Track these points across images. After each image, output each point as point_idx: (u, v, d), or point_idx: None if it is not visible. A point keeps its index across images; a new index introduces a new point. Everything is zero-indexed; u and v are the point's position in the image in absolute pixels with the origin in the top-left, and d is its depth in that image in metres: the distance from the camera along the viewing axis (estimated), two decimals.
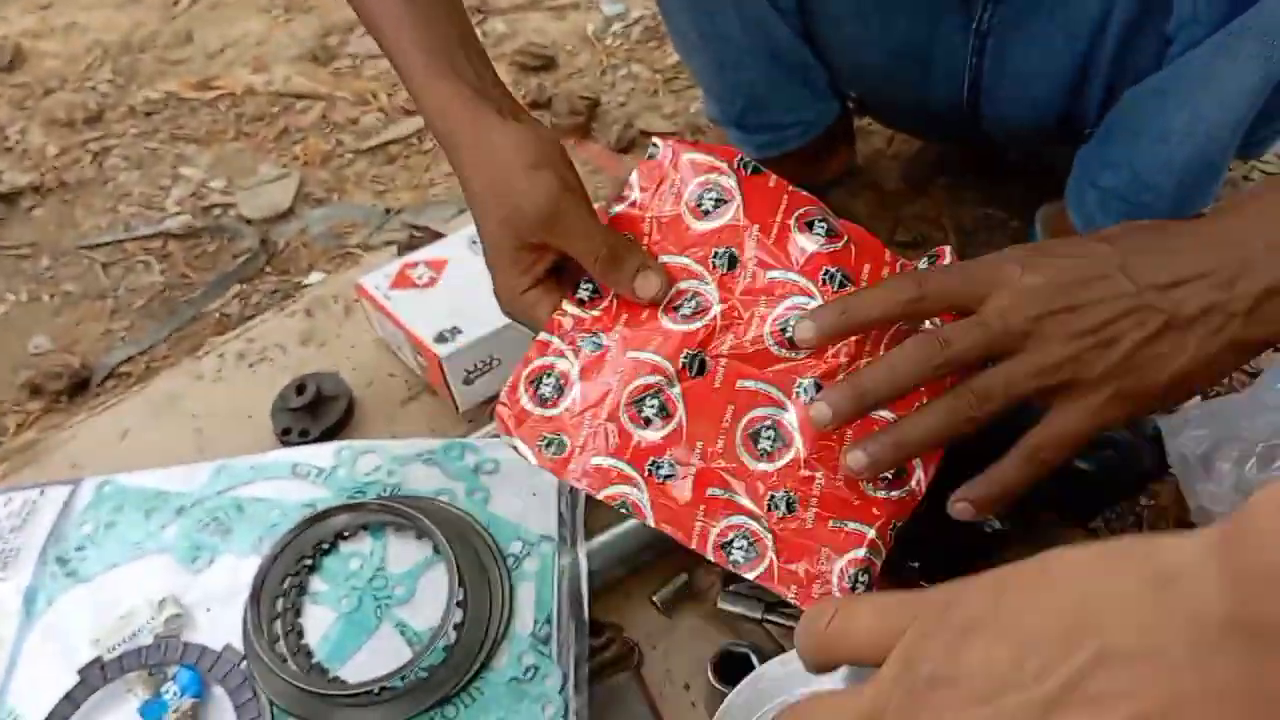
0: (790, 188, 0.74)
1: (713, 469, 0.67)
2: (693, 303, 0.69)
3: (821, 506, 0.67)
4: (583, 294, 0.71)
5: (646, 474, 0.67)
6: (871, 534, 0.66)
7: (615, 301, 0.70)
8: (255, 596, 0.78)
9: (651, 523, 0.67)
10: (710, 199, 0.71)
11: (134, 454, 0.98)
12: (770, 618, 0.80)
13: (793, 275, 0.69)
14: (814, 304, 0.68)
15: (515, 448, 0.69)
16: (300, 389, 0.99)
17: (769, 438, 0.67)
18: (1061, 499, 0.80)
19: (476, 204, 0.69)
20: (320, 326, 1.11)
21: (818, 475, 0.67)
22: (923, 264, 0.74)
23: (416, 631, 0.80)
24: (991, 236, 1.23)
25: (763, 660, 0.75)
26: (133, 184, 1.43)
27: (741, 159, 0.74)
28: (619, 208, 0.74)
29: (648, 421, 0.68)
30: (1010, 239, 1.23)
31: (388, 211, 1.36)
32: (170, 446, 0.98)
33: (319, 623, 0.80)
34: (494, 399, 0.76)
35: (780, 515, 0.67)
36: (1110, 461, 0.80)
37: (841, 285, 0.69)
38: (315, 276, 1.26)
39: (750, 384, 0.68)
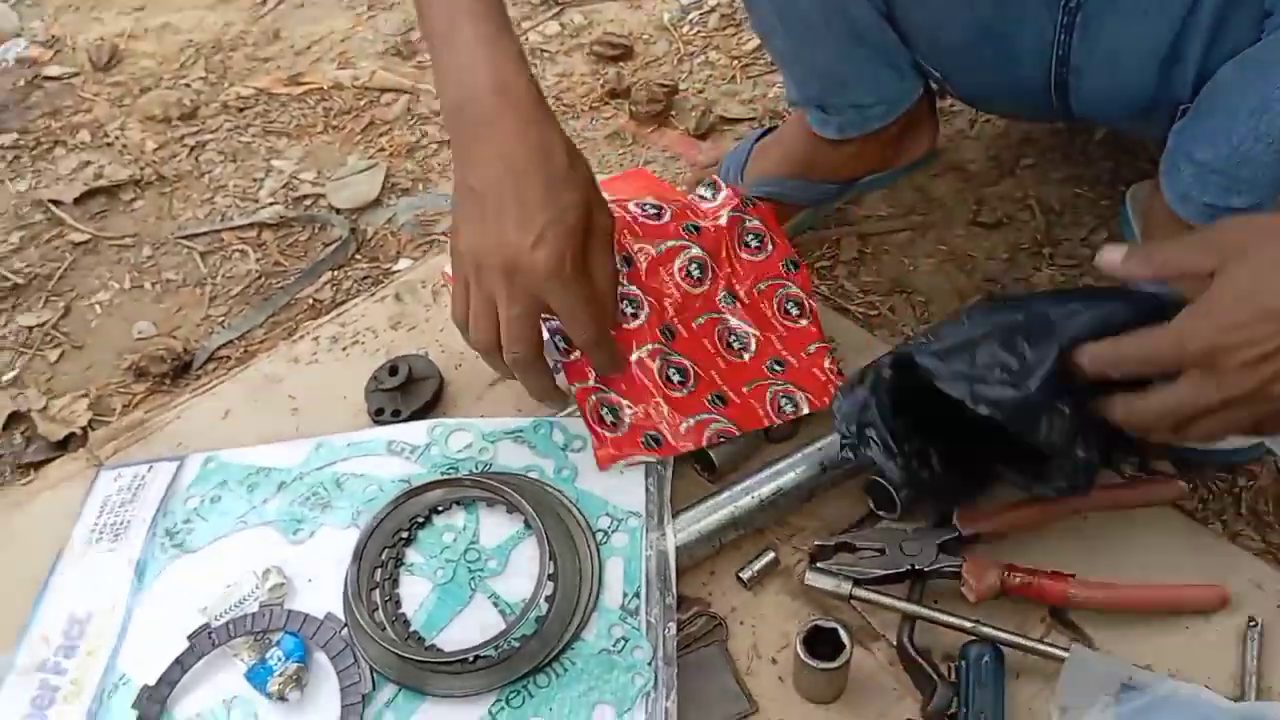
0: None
1: (725, 384, 0.93)
2: (631, 305, 0.92)
3: (790, 351, 0.96)
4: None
5: (710, 406, 0.91)
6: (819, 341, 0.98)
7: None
8: (355, 566, 0.81)
9: (738, 431, 0.91)
10: None
11: (235, 433, 1.01)
12: (858, 594, 0.81)
13: (666, 243, 0.96)
14: (694, 249, 0.96)
15: (632, 464, 0.89)
16: (393, 370, 1.01)
17: (735, 339, 0.96)
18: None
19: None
20: (409, 311, 1.13)
21: (773, 338, 0.97)
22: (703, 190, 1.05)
23: (508, 603, 0.82)
24: (1080, 216, 1.21)
25: (851, 636, 0.75)
26: (227, 177, 1.48)
27: None
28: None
29: (680, 383, 0.91)
30: (1099, 219, 1.20)
31: None
32: (269, 425, 1.02)
33: (415, 593, 0.83)
34: None
35: (781, 371, 0.95)
36: None
37: (691, 230, 0.97)
38: (403, 263, 1.29)
39: (700, 319, 0.96)
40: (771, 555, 0.86)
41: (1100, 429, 0.74)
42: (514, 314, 0.78)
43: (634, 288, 0.93)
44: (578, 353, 0.90)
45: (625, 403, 0.90)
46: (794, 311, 0.97)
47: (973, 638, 0.78)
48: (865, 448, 0.80)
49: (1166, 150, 0.93)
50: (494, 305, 0.79)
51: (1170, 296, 0.74)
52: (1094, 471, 0.77)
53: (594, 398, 0.90)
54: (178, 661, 0.79)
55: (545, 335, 0.91)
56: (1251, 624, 0.78)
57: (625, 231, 0.94)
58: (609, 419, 0.90)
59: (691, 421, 0.90)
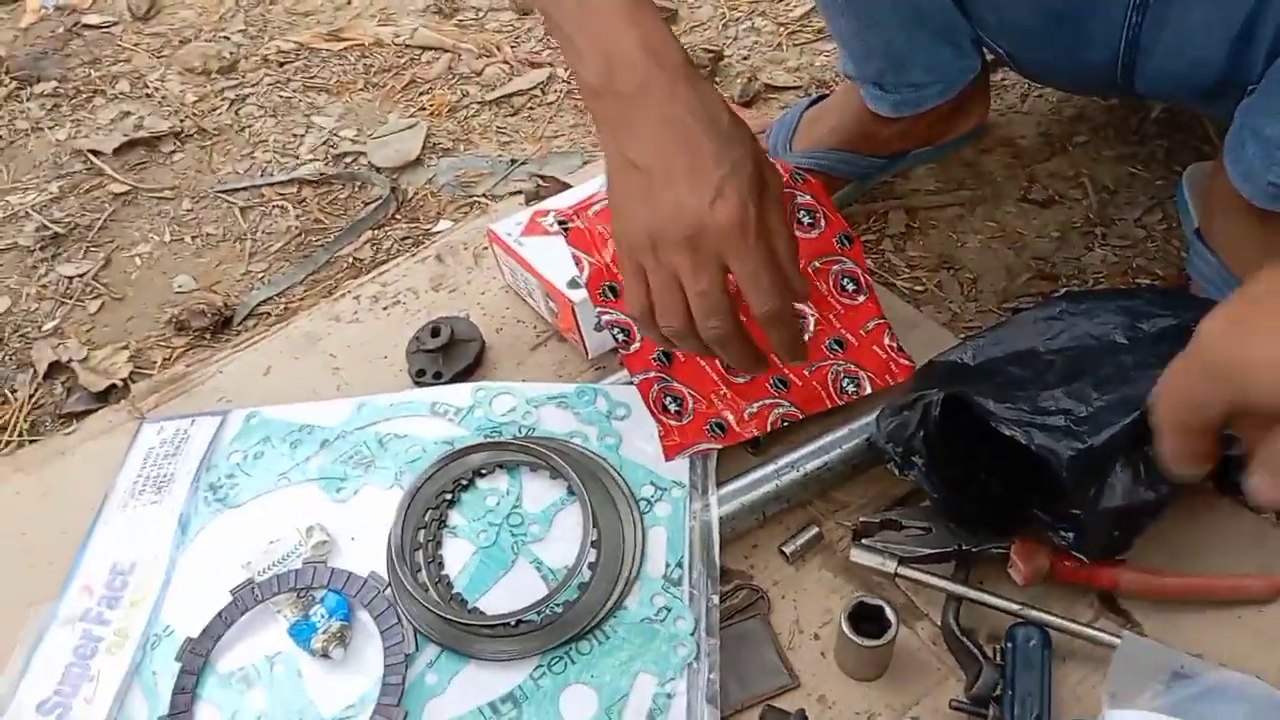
0: None
1: (787, 366, 0.92)
2: None
3: (849, 329, 0.95)
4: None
5: (773, 390, 0.91)
6: (877, 318, 0.96)
7: None
8: (399, 526, 0.81)
9: (802, 414, 0.91)
10: None
11: (276, 389, 1.01)
12: (902, 572, 0.80)
13: None
14: None
15: (699, 451, 0.89)
16: (435, 331, 1.01)
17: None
18: (1222, 468, 0.76)
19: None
20: (451, 272, 1.13)
21: (831, 317, 0.95)
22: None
23: (551, 569, 0.81)
24: (1134, 195, 1.19)
25: (897, 614, 0.74)
26: (268, 131, 1.47)
27: None
28: None
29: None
30: (1153, 199, 1.18)
31: (513, 162, 1.37)
32: (310, 383, 1.01)
33: (458, 555, 0.82)
34: None
35: (841, 351, 0.94)
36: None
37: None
38: (444, 224, 1.28)
39: None
40: (815, 530, 0.86)
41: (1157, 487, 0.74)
42: (702, 287, 0.70)
43: None
44: (637, 344, 0.90)
45: (689, 391, 0.90)
46: (850, 288, 0.96)
47: (1020, 620, 0.77)
48: (909, 470, 0.79)
49: (1232, 127, 0.91)
50: (678, 284, 0.71)
51: None
52: (1130, 541, 0.76)
53: (657, 388, 0.89)
54: (221, 615, 0.79)
55: (601, 322, 0.91)
56: None
57: None
58: (673, 408, 0.89)
59: (755, 407, 0.90)
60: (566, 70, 1.51)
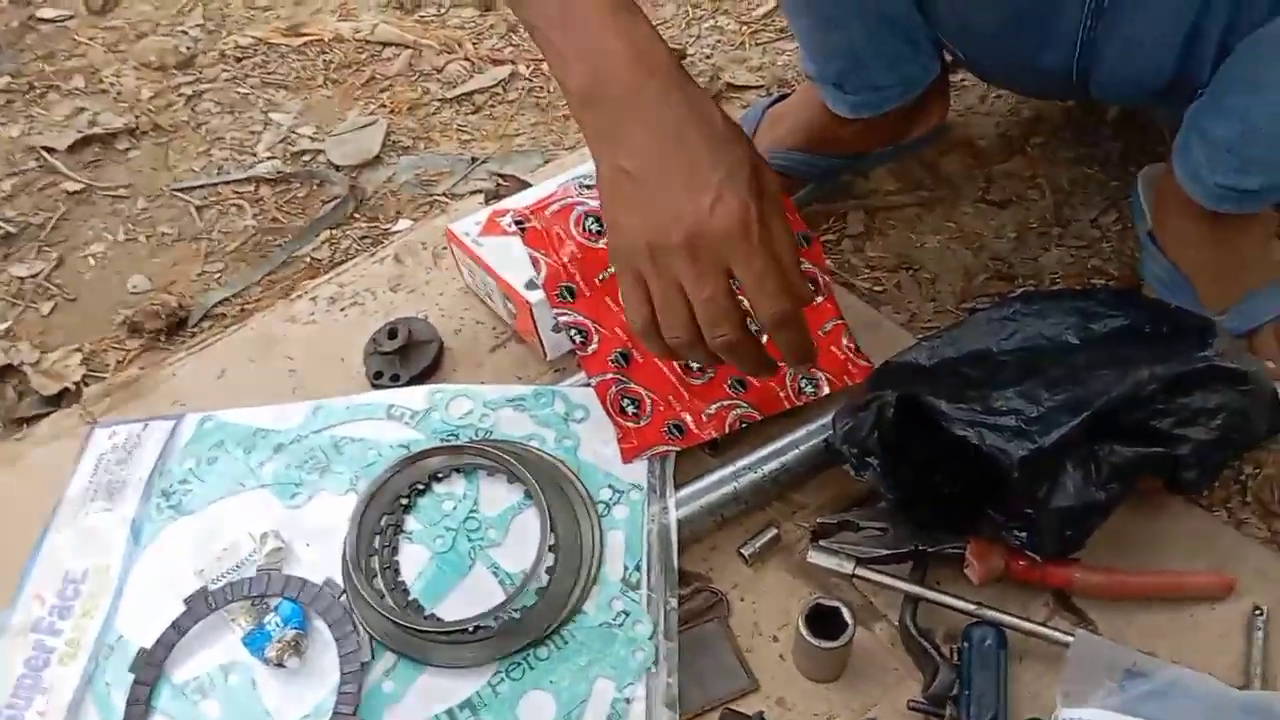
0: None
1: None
2: None
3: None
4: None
5: (730, 392, 0.91)
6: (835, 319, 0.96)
7: (597, 330, 0.91)
8: (354, 532, 0.80)
9: (760, 416, 0.91)
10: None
11: (231, 392, 1.00)
12: (860, 573, 0.80)
13: None
14: None
15: (657, 454, 0.89)
16: (393, 333, 1.00)
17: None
18: (1171, 466, 0.78)
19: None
20: (409, 273, 1.12)
21: None
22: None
23: (509, 573, 0.81)
24: (1090, 196, 1.20)
25: (854, 616, 0.75)
26: (224, 129, 1.44)
27: None
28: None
29: (700, 370, 0.91)
30: (1109, 199, 1.19)
31: (474, 160, 1.36)
32: (266, 386, 1.00)
33: (414, 561, 0.82)
34: None
35: None
36: (1218, 430, 0.78)
37: None
38: (403, 224, 1.27)
39: None
40: (774, 532, 0.86)
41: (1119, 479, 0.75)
42: (708, 294, 0.67)
43: None
44: (594, 345, 0.89)
45: (647, 393, 0.89)
46: (809, 289, 0.96)
47: (976, 620, 0.77)
48: (864, 471, 0.79)
49: (1180, 129, 0.92)
50: (682, 293, 0.68)
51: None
52: (1081, 540, 0.77)
53: (615, 389, 0.89)
54: (174, 625, 0.78)
55: (559, 324, 0.90)
56: (1257, 612, 0.78)
57: None
58: (631, 410, 0.89)
59: (713, 408, 0.90)
60: (551, 79, 1.50)
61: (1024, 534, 0.76)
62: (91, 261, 1.26)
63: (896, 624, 0.79)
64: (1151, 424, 0.76)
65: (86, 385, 1.08)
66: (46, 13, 1.70)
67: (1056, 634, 0.75)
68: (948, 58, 1.14)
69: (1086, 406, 0.74)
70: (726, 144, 0.68)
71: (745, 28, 1.55)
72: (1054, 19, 0.92)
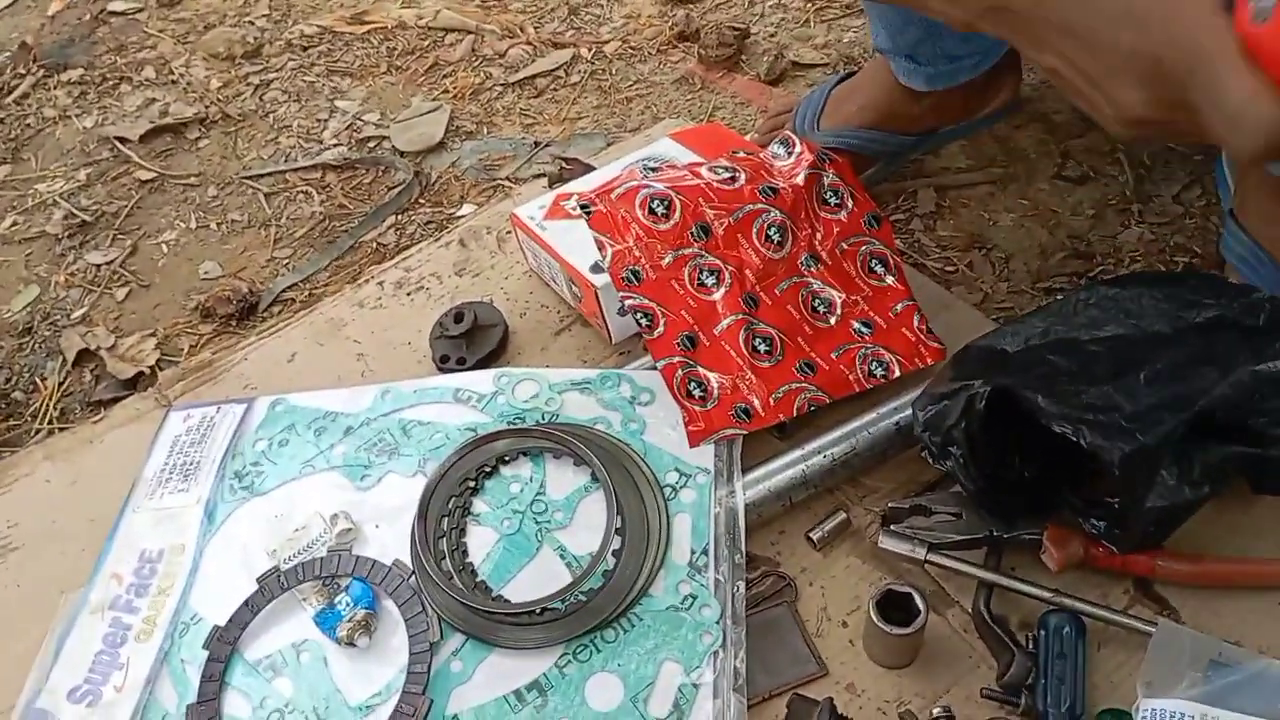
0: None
1: (813, 350, 0.91)
2: (712, 276, 0.91)
3: (877, 312, 0.93)
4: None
5: (799, 375, 0.89)
6: (906, 300, 0.94)
7: (663, 313, 0.90)
8: (422, 514, 0.80)
9: (829, 399, 0.89)
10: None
11: (301, 376, 1.01)
12: (932, 559, 0.78)
13: (744, 208, 0.93)
14: (773, 212, 0.93)
15: (724, 437, 0.88)
16: (459, 317, 1.00)
17: (820, 303, 0.93)
18: (1260, 467, 0.75)
19: None
20: (474, 257, 1.12)
21: (859, 299, 0.94)
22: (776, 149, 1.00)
23: (575, 556, 0.81)
24: (1171, 171, 1.16)
25: (926, 601, 0.73)
26: (291, 117, 1.47)
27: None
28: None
29: (768, 353, 0.90)
30: (1191, 174, 1.15)
31: (536, 144, 1.36)
32: (335, 369, 1.01)
33: (482, 543, 0.82)
34: None
35: (869, 333, 0.92)
36: None
37: (768, 193, 0.94)
38: (467, 208, 1.27)
39: (784, 285, 0.93)
40: (843, 516, 0.84)
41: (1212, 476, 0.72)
42: (1237, 100, 0.56)
43: (713, 258, 0.91)
44: (660, 329, 0.89)
45: (713, 376, 0.88)
46: (879, 270, 0.94)
47: (1053, 607, 0.75)
48: (945, 460, 0.77)
49: None
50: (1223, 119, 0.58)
51: None
52: (1164, 538, 0.74)
53: (681, 373, 0.88)
54: (247, 604, 0.79)
55: (625, 307, 0.90)
56: None
57: (700, 199, 0.92)
58: (698, 393, 0.88)
59: (781, 391, 0.88)
60: (625, 60, 1.49)
61: (1103, 523, 0.73)
62: (164, 248, 1.29)
63: (970, 610, 0.77)
64: (1247, 422, 0.74)
65: (161, 369, 1.11)
66: (117, 6, 1.74)
67: (1137, 623, 0.73)
68: None
69: (1188, 405, 0.72)
70: None
71: (810, 5, 1.53)
72: None
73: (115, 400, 1.07)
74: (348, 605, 0.77)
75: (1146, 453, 0.71)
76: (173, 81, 1.57)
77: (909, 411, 0.85)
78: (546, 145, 1.36)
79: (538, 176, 1.29)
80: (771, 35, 1.50)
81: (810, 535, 0.84)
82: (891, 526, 0.81)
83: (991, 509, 0.79)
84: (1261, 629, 0.75)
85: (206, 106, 1.50)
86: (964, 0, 0.65)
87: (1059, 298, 1.00)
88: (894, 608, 0.74)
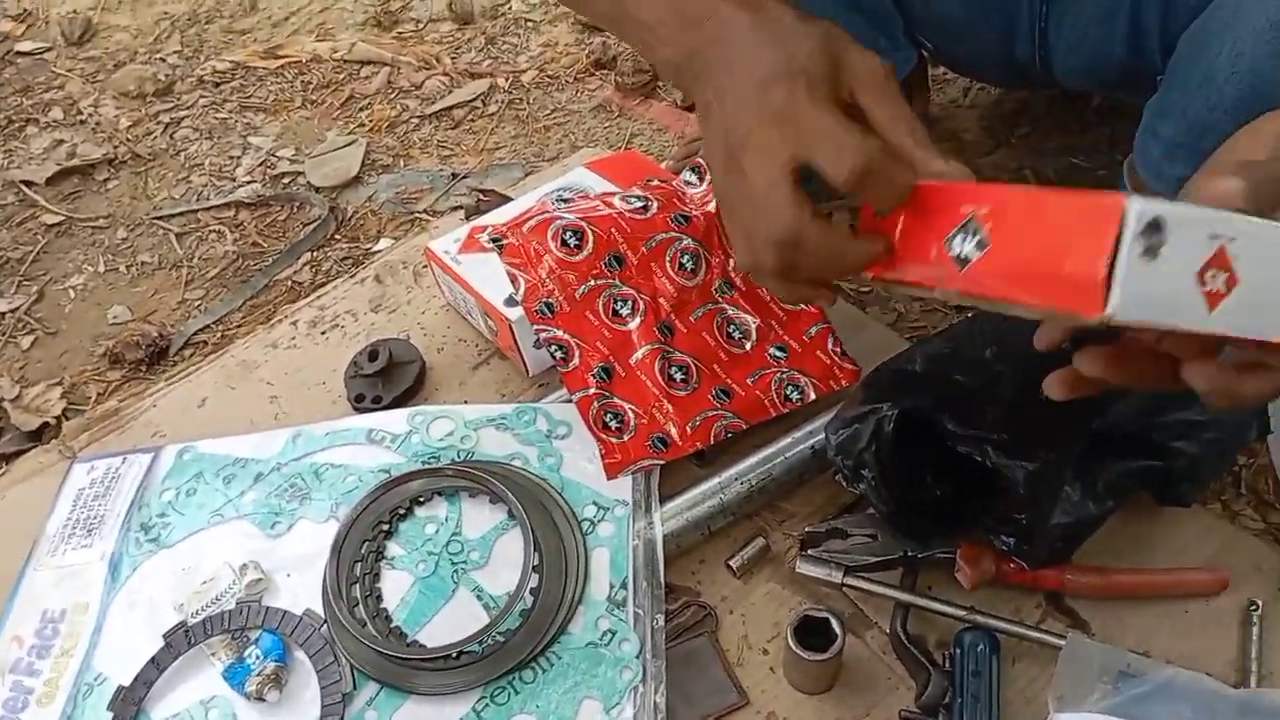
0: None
1: (729, 377, 0.91)
2: (626, 305, 0.91)
3: (792, 336, 0.94)
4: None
5: (715, 402, 0.89)
6: (820, 323, 0.94)
7: (578, 345, 0.90)
8: (334, 561, 0.79)
9: (745, 425, 0.89)
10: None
11: (212, 422, 0.99)
12: (849, 582, 0.79)
13: (656, 237, 0.93)
14: (685, 240, 0.93)
15: (642, 468, 0.87)
16: (373, 355, 0.99)
17: (735, 328, 0.93)
18: (1162, 480, 0.77)
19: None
20: (390, 293, 1.11)
21: (773, 323, 0.94)
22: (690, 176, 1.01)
23: (493, 596, 0.80)
24: (1077, 186, 1.18)
25: (843, 625, 0.73)
26: (204, 154, 1.44)
27: None
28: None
29: (683, 381, 0.90)
30: (1096, 189, 1.18)
31: (454, 176, 1.35)
32: (247, 414, 0.99)
33: (397, 587, 0.81)
34: None
35: (785, 358, 0.92)
36: (1211, 442, 0.76)
37: (680, 221, 0.94)
38: (384, 243, 1.26)
39: (698, 312, 0.93)
40: (762, 542, 0.84)
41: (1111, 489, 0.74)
42: (758, 185, 0.58)
43: (627, 287, 0.91)
44: (575, 361, 0.88)
45: (629, 406, 0.88)
46: None
47: (967, 625, 0.76)
48: (858, 483, 0.78)
49: (1140, 126, 0.91)
50: (748, 215, 0.60)
51: None
52: (1071, 552, 0.76)
53: (597, 405, 0.88)
54: (153, 661, 0.77)
55: (540, 338, 0.89)
56: (1252, 607, 0.76)
57: (613, 230, 0.92)
58: (614, 425, 0.88)
59: (698, 420, 0.88)
60: (531, 90, 1.49)
61: (1012, 539, 0.74)
62: (72, 294, 1.26)
63: (888, 631, 0.77)
64: (1148, 437, 0.75)
65: (67, 419, 1.08)
66: (25, 46, 1.70)
67: (1049, 637, 0.74)
68: (925, 53, 1.13)
69: (1088, 422, 0.73)
70: (787, 42, 0.60)
71: None
72: (1012, 9, 0.91)
73: (19, 453, 1.03)
74: (257, 658, 0.75)
75: (1050, 470, 0.72)
76: (81, 122, 1.53)
77: (824, 435, 0.86)
78: (464, 177, 1.35)
79: (455, 209, 1.28)
80: None
81: (730, 563, 0.84)
82: (809, 551, 0.82)
83: (905, 530, 0.80)
84: (1169, 638, 0.76)
85: (116, 146, 1.47)
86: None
87: (968, 315, 1.02)
88: (812, 633, 0.74)
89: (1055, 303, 0.45)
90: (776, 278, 0.62)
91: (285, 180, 1.39)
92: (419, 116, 1.47)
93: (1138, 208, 0.41)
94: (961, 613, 0.76)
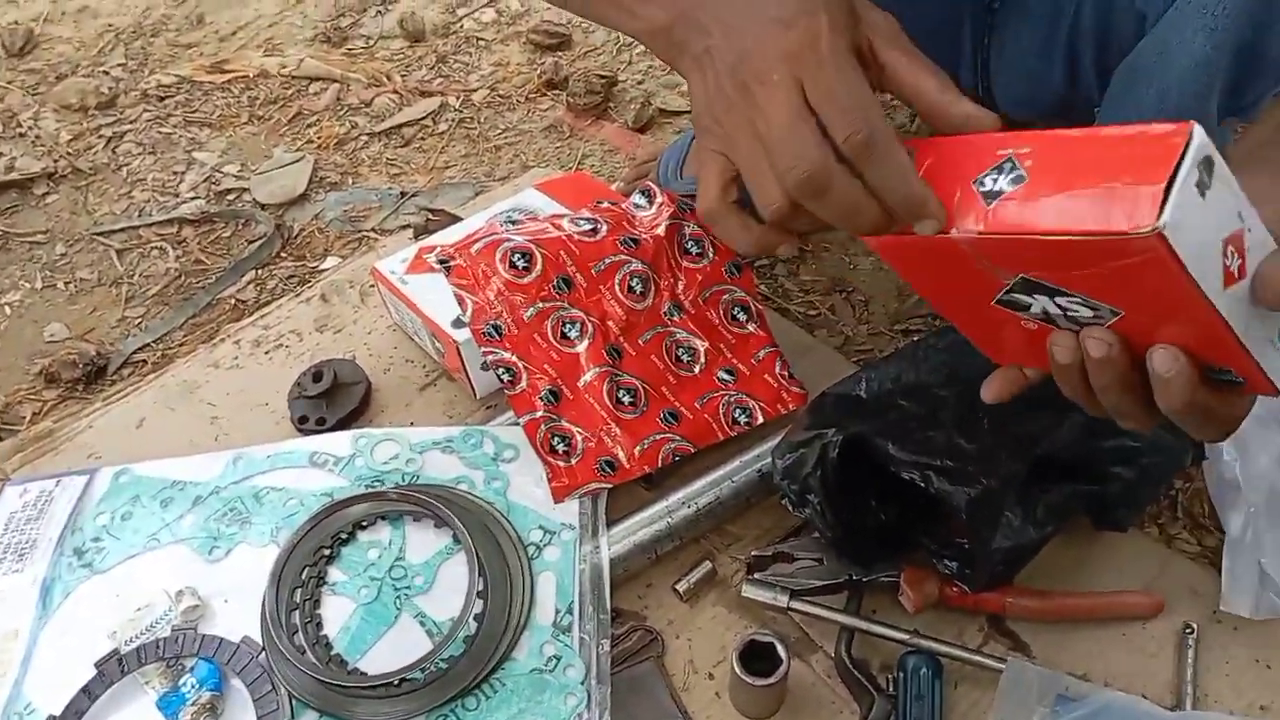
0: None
1: (677, 400, 0.91)
2: (574, 328, 0.91)
3: (740, 359, 0.94)
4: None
5: (663, 425, 0.89)
6: (768, 346, 0.95)
7: (525, 368, 0.89)
8: (274, 587, 0.78)
9: (694, 449, 0.89)
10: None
11: (151, 443, 0.97)
12: (795, 606, 0.79)
13: (605, 259, 0.93)
14: (634, 263, 0.93)
15: (589, 492, 0.87)
16: (317, 376, 0.97)
17: (684, 351, 0.94)
18: (1100, 504, 0.78)
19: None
20: (336, 312, 1.10)
21: (722, 347, 0.94)
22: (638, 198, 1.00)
23: (436, 622, 0.79)
24: None
25: (788, 650, 0.73)
26: (146, 170, 1.42)
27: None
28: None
29: (631, 405, 0.90)
30: None
31: (403, 194, 1.34)
32: (187, 435, 0.97)
33: (338, 613, 0.79)
34: None
35: (733, 381, 0.93)
36: (1148, 468, 0.78)
37: (629, 244, 0.94)
38: (331, 261, 1.25)
39: (647, 335, 0.93)
40: (709, 566, 0.84)
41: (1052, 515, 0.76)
42: (779, 122, 0.55)
43: (576, 310, 0.91)
44: (523, 384, 0.88)
45: (577, 430, 0.88)
46: (741, 317, 0.95)
47: (911, 649, 0.76)
48: (804, 508, 0.78)
49: None
50: (761, 152, 0.57)
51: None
52: (1012, 576, 0.77)
53: (544, 428, 0.87)
54: (85, 690, 0.75)
55: (486, 361, 0.88)
56: (1188, 630, 0.78)
57: (561, 252, 0.92)
58: (561, 448, 0.87)
59: (645, 443, 0.88)
60: (482, 109, 1.49)
61: (954, 563, 0.75)
62: (7, 311, 1.23)
63: (833, 655, 0.78)
64: (1086, 462, 0.77)
65: (0, 440, 1.05)
66: None
67: (990, 661, 0.75)
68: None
69: (1029, 447, 0.75)
70: None
71: None
72: (957, 40, 0.93)
73: None
74: (193, 687, 0.73)
75: (991, 496, 0.73)
76: (20, 135, 1.50)
77: (771, 459, 0.86)
78: (413, 195, 1.34)
79: (404, 228, 1.27)
80: (639, 83, 1.51)
81: (676, 587, 0.84)
82: (755, 575, 0.82)
83: (850, 554, 0.80)
84: (1107, 660, 0.78)
85: (56, 160, 1.44)
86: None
87: (915, 339, 1.03)
88: (757, 658, 0.74)
89: (1097, 225, 0.44)
90: (775, 221, 0.59)
91: (230, 197, 1.37)
92: (368, 134, 1.46)
93: (1201, 136, 0.42)
94: (904, 636, 0.77)
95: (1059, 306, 0.51)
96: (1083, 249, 0.46)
